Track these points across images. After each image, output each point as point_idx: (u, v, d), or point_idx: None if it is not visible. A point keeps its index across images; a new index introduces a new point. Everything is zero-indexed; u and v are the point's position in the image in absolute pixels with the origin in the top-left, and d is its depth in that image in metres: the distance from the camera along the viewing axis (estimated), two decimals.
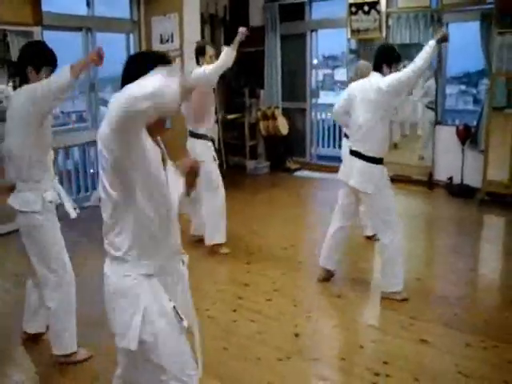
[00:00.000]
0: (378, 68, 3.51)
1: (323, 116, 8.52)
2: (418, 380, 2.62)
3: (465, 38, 6.55)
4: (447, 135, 6.39)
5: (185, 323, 1.73)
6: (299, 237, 5.08)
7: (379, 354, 2.89)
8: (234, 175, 6.97)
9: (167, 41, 6.49)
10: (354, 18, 6.76)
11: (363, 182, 3.46)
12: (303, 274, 4.04)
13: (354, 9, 6.74)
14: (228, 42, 4.20)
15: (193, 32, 6.47)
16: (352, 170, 3.52)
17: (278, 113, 7.76)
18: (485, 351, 2.89)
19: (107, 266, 1.72)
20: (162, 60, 1.62)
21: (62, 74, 2.51)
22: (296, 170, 7.87)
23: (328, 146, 8.59)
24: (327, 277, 3.84)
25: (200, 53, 4.26)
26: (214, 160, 4.35)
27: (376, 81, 3.44)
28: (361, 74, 4.48)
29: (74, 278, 2.83)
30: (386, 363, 2.77)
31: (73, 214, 2.86)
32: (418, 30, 6.37)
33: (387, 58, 3.50)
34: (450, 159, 6.34)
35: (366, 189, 3.45)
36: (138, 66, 1.60)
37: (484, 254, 4.61)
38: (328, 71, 12.21)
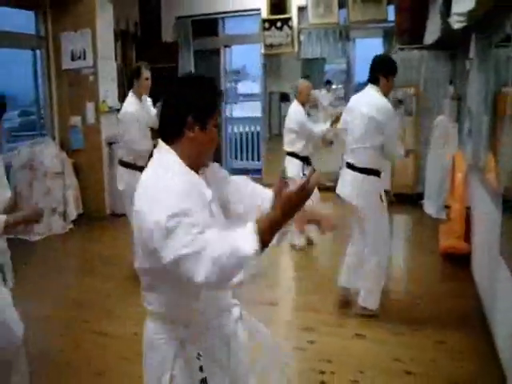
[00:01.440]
0: (374, 80, 3.29)
1: (236, 130, 8.56)
2: (362, 372, 2.76)
3: (369, 52, 7.03)
4: None
5: None
6: None
7: (320, 354, 3.00)
8: None
9: (79, 57, 6.27)
10: (267, 33, 7.00)
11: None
12: None
13: (267, 25, 6.98)
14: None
15: (107, 48, 6.32)
16: None
17: None
18: (414, 337, 3.12)
19: (147, 315, 1.56)
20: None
21: None
22: None
23: (241, 159, 8.63)
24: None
25: (135, 75, 3.95)
26: None
27: (374, 99, 3.27)
28: (298, 91, 4.58)
29: None
30: (329, 361, 2.88)
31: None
32: (328, 44, 6.78)
33: (384, 68, 3.29)
34: None
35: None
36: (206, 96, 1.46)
37: (396, 251, 4.76)
38: (231, 84, 12.43)
